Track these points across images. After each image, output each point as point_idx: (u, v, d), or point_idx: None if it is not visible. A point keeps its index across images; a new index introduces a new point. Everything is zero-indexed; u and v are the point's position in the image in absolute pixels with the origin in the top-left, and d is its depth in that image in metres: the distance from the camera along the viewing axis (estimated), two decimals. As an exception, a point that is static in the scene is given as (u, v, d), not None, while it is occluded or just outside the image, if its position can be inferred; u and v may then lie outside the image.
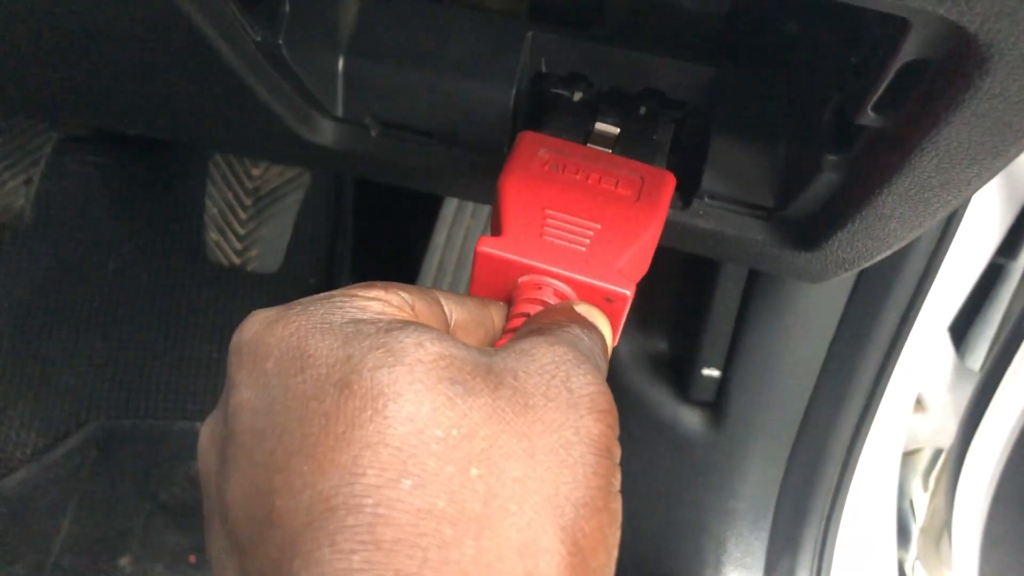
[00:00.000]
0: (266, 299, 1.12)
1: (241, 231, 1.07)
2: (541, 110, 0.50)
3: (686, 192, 0.49)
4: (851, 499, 0.90)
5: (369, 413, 0.25)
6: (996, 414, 0.78)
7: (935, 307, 0.81)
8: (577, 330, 0.32)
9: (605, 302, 0.37)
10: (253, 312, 0.30)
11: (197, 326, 1.11)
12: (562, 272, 0.37)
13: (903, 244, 0.46)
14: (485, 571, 0.24)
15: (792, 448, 0.90)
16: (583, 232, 0.39)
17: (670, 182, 0.43)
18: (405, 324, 0.28)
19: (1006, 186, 0.78)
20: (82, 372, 1.08)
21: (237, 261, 1.08)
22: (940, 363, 0.93)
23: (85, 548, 0.99)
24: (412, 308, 0.31)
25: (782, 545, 0.92)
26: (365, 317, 0.29)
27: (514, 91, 0.48)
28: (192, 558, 1.01)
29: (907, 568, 1.03)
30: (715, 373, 0.92)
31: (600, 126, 0.46)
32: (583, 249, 0.38)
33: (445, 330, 0.33)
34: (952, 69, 0.31)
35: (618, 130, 0.46)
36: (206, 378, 1.10)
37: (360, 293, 0.30)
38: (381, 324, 0.28)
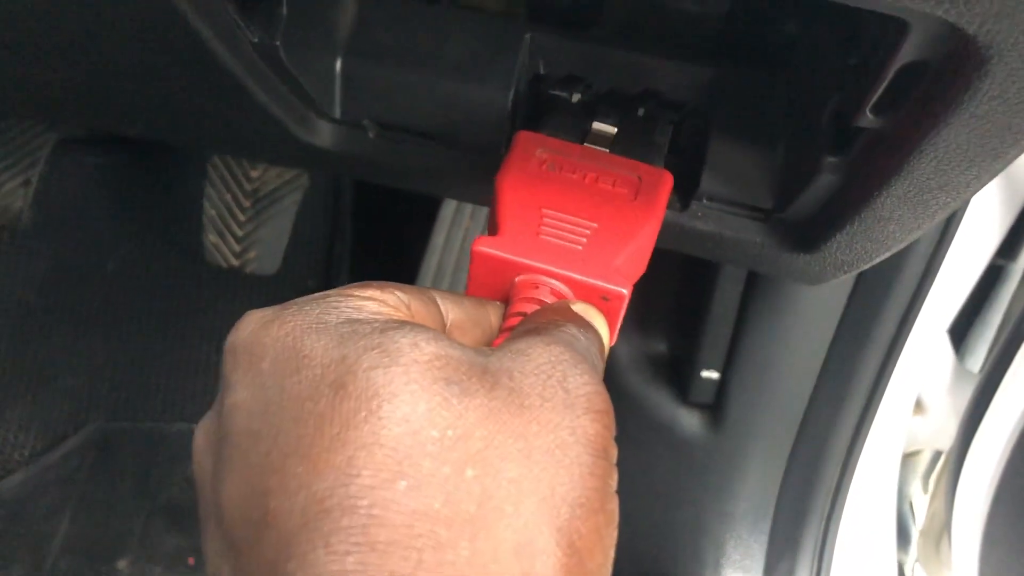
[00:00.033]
0: (264, 301, 1.11)
1: (239, 233, 1.07)
2: (539, 111, 0.50)
3: (685, 194, 0.49)
4: (851, 501, 0.90)
5: (364, 414, 0.25)
6: (996, 416, 0.78)
7: (934, 309, 0.81)
8: (573, 329, 0.32)
9: (602, 301, 0.37)
10: (248, 312, 0.30)
11: (196, 328, 1.11)
12: (559, 271, 0.37)
13: (902, 246, 0.46)
14: (480, 573, 0.24)
15: (791, 450, 0.90)
16: (580, 231, 0.39)
17: (668, 181, 0.43)
18: (401, 324, 0.28)
19: (1005, 187, 0.78)
20: (81, 373, 1.07)
21: (235, 263, 1.08)
22: (940, 365, 0.93)
23: (83, 550, 0.99)
24: (408, 308, 0.31)
25: (781, 547, 0.92)
26: (360, 317, 0.29)
27: (512, 93, 0.48)
28: (191, 560, 1.01)
29: (907, 570, 1.03)
30: (714, 375, 0.92)
31: (597, 125, 0.46)
32: (580, 248, 0.38)
33: (441, 330, 0.33)
34: (951, 71, 0.31)
35: (615, 129, 0.46)
36: (205, 380, 1.09)
37: (356, 293, 0.30)
38: (377, 324, 0.28)
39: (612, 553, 0.28)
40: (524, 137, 0.43)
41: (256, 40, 0.43)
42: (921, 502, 1.06)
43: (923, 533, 1.04)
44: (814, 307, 0.84)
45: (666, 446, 0.95)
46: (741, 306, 0.87)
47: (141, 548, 1.00)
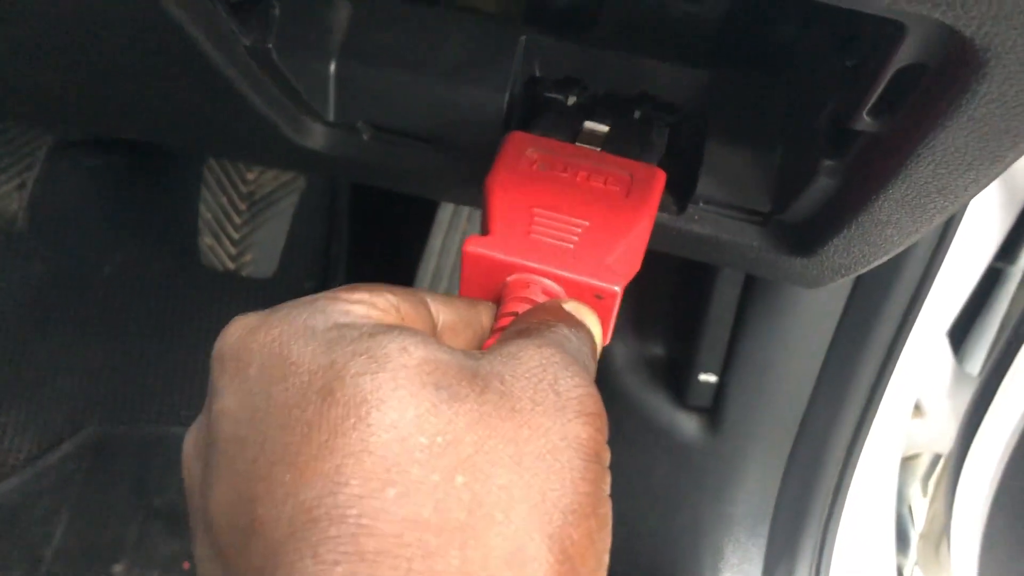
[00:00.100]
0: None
1: (236, 236, 1.07)
2: (535, 114, 0.49)
3: (681, 197, 0.49)
4: (850, 505, 0.90)
5: (352, 421, 0.25)
6: (995, 419, 0.78)
7: (933, 312, 0.81)
8: (565, 330, 0.32)
9: (595, 299, 0.36)
10: (235, 318, 0.30)
11: (191, 331, 1.11)
12: (550, 270, 0.36)
13: (900, 249, 0.46)
14: None
15: (790, 454, 0.90)
16: (571, 229, 0.38)
17: (660, 178, 0.43)
18: (389, 328, 0.28)
19: (1004, 190, 0.78)
20: (77, 377, 1.07)
21: (232, 266, 1.08)
22: (939, 368, 0.93)
23: (79, 555, 0.99)
24: (398, 310, 0.31)
25: (780, 551, 0.92)
26: (348, 321, 0.28)
27: (507, 95, 0.47)
28: (186, 565, 1.00)
29: (906, 573, 1.03)
30: (712, 378, 0.92)
31: (589, 124, 0.45)
32: (571, 246, 0.38)
33: (432, 332, 0.33)
34: (949, 73, 0.30)
35: (607, 128, 0.45)
36: (201, 383, 1.08)
37: (345, 296, 0.30)
38: (365, 329, 0.28)
39: (606, 558, 0.27)
40: (515, 137, 0.43)
41: (249, 43, 0.43)
42: (920, 505, 1.06)
43: (922, 536, 1.03)
44: (813, 310, 0.84)
45: (664, 449, 0.94)
46: (739, 309, 0.87)
47: (137, 552, 1.00)
